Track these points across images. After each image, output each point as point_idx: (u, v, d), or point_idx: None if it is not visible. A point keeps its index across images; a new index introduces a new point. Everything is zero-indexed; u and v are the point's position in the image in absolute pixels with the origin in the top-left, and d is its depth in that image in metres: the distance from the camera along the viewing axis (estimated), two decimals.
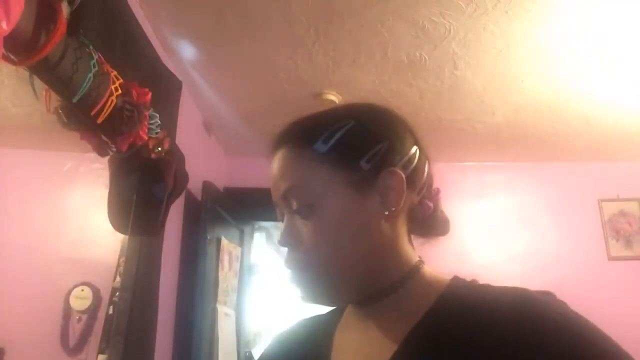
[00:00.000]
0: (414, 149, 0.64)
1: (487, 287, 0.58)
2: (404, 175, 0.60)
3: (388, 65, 2.00)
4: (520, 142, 2.77)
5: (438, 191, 0.67)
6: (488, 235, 2.91)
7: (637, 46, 1.85)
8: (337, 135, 0.61)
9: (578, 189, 2.99)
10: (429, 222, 0.67)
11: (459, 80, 2.11)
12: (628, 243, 2.90)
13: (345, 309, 0.71)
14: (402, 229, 0.63)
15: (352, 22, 1.73)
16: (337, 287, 0.61)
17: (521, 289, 0.55)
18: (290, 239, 0.61)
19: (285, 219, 0.63)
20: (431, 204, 0.65)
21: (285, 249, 0.63)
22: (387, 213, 0.60)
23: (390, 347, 0.57)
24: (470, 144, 2.78)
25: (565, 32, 1.77)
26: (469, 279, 0.62)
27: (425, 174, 0.65)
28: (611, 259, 2.88)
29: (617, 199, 2.96)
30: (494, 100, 2.29)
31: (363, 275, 0.60)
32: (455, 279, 0.62)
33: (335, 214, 0.59)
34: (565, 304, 0.53)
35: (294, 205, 0.61)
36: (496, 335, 0.50)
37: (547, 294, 0.55)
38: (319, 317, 0.75)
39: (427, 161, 0.66)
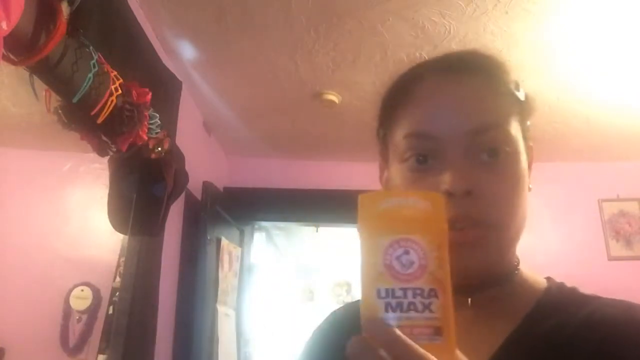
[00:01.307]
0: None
1: (595, 298, 0.54)
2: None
3: (388, 65, 2.00)
4: None
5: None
6: None
7: (637, 46, 1.85)
8: (523, 88, 0.57)
9: (578, 189, 2.99)
10: None
11: None
12: (628, 243, 2.90)
13: None
14: None
15: (352, 22, 1.73)
16: (507, 252, 0.53)
17: (627, 302, 0.51)
18: (472, 186, 0.49)
19: (458, 161, 0.51)
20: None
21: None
22: (530, 187, 0.55)
23: (489, 348, 0.51)
24: None
25: (566, 33, 1.77)
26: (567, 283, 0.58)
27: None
28: (611, 259, 2.87)
29: (617, 199, 2.96)
30: None
31: (514, 249, 0.54)
32: (551, 280, 0.58)
33: (521, 167, 0.53)
34: None
35: (492, 144, 0.51)
36: (597, 346, 0.47)
37: None
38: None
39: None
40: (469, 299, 0.54)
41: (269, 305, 3.66)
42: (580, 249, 2.88)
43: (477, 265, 0.51)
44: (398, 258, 0.39)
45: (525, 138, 0.56)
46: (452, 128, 0.51)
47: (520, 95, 0.56)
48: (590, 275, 2.82)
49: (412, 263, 0.39)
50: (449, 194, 0.49)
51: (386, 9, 1.65)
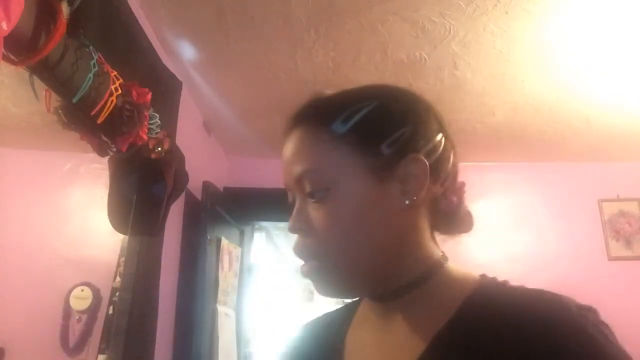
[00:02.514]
0: (440, 136, 0.60)
1: (522, 291, 0.54)
2: (427, 163, 0.56)
3: (388, 65, 2.00)
4: (521, 142, 2.77)
5: (463, 184, 0.63)
6: (488, 235, 2.90)
7: (637, 46, 1.85)
8: (358, 116, 0.57)
9: (578, 189, 2.99)
10: (451, 218, 0.62)
11: (459, 80, 2.11)
12: (628, 243, 2.90)
13: (358, 307, 0.67)
14: (424, 222, 0.59)
15: (352, 22, 1.73)
16: (351, 279, 0.57)
17: (563, 298, 0.51)
18: (301, 225, 0.57)
19: (297, 204, 0.59)
20: (455, 198, 0.61)
21: (295, 236, 0.59)
22: (407, 202, 0.56)
23: (416, 348, 0.54)
24: (470, 144, 2.78)
25: (566, 33, 1.77)
26: (500, 278, 0.58)
27: (450, 164, 0.61)
28: (611, 259, 2.88)
29: (617, 199, 2.96)
30: (494, 100, 2.29)
31: (380, 267, 0.56)
32: (484, 277, 0.59)
33: (351, 200, 0.55)
34: (605, 325, 0.50)
35: (308, 188, 0.57)
36: (525, 345, 0.47)
37: (589, 310, 0.50)
38: (328, 316, 0.72)
39: (452, 151, 0.62)
40: (384, 305, 0.60)
41: (269, 305, 3.66)
42: (580, 249, 2.88)
43: (324, 289, 0.58)
44: None
45: (380, 157, 0.56)
46: (286, 179, 0.61)
47: (345, 128, 0.57)
48: (590, 275, 2.83)
49: None
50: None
51: (386, 9, 1.65)
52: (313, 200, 0.57)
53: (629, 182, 2.96)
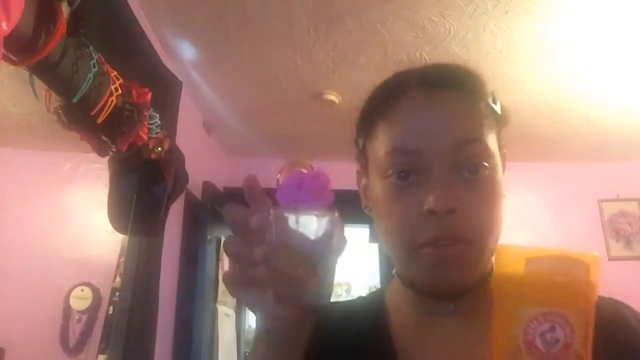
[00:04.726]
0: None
1: None
2: None
3: (388, 66, 2.00)
4: (520, 142, 2.77)
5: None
6: None
7: (637, 46, 1.85)
8: (498, 100, 0.58)
9: (578, 189, 2.99)
10: None
11: None
12: (628, 243, 2.90)
13: (383, 305, 0.62)
14: None
15: (352, 22, 1.73)
16: (480, 264, 0.53)
17: (612, 299, 0.58)
18: (457, 203, 0.50)
19: (441, 176, 0.51)
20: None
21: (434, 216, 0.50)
22: (505, 195, 0.55)
23: (479, 355, 0.49)
24: None
25: (566, 33, 1.77)
26: None
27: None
28: (611, 259, 2.87)
29: (617, 199, 2.96)
30: None
31: (490, 256, 0.54)
32: None
33: (498, 183, 0.54)
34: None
35: (472, 159, 0.52)
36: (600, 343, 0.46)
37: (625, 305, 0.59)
38: (355, 308, 0.65)
39: None
40: (453, 305, 0.55)
41: None
42: (580, 249, 2.87)
43: (457, 278, 0.52)
44: (542, 335, 0.35)
45: (500, 147, 0.57)
46: (434, 144, 0.52)
47: (497, 108, 0.57)
48: None
49: (557, 341, 0.35)
50: (432, 212, 0.50)
51: (386, 9, 1.65)
52: (471, 174, 0.52)
53: (629, 182, 2.96)
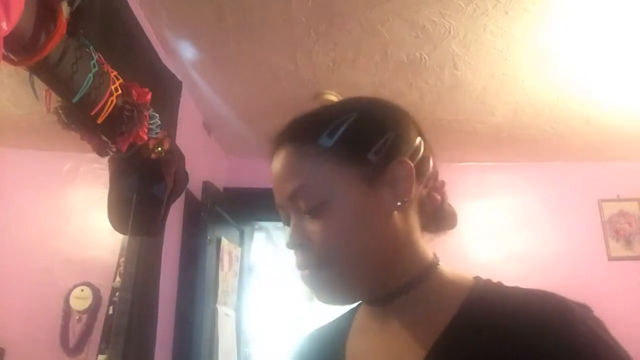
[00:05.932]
0: (419, 139, 0.63)
1: (519, 291, 0.55)
2: (412, 165, 0.59)
3: (388, 65, 2.00)
4: (521, 142, 2.77)
5: (443, 184, 0.66)
6: (488, 235, 2.91)
7: (637, 46, 1.85)
8: (342, 129, 0.59)
9: (578, 189, 2.99)
10: (437, 216, 0.65)
11: (459, 80, 2.11)
12: (628, 243, 2.90)
13: (355, 314, 0.69)
14: (415, 222, 0.62)
15: (352, 22, 1.73)
16: (353, 284, 0.59)
17: (558, 296, 0.52)
18: (301, 240, 0.59)
19: (292, 220, 0.61)
20: (438, 196, 0.64)
21: (292, 251, 0.61)
22: (399, 204, 0.58)
23: (417, 353, 0.55)
24: (470, 144, 2.78)
25: (565, 33, 1.77)
26: (496, 279, 0.60)
27: (431, 164, 0.64)
28: (611, 259, 2.87)
29: (617, 199, 2.96)
30: (494, 101, 2.29)
31: (379, 270, 0.58)
32: (478, 279, 0.60)
33: (346, 209, 0.58)
34: (600, 321, 0.51)
35: (303, 205, 0.58)
36: (528, 344, 0.48)
37: (583, 307, 0.52)
38: (327, 327, 0.73)
39: (431, 152, 0.65)
40: (383, 310, 0.61)
41: (269, 305, 3.65)
42: (580, 249, 2.87)
43: (326, 297, 0.60)
44: None
45: (368, 165, 0.58)
46: (280, 200, 0.62)
47: (336, 136, 0.59)
48: (590, 276, 2.82)
49: None
50: (289, 249, 0.61)
51: (386, 9, 1.65)
52: (309, 215, 0.58)
53: (629, 182, 2.96)
